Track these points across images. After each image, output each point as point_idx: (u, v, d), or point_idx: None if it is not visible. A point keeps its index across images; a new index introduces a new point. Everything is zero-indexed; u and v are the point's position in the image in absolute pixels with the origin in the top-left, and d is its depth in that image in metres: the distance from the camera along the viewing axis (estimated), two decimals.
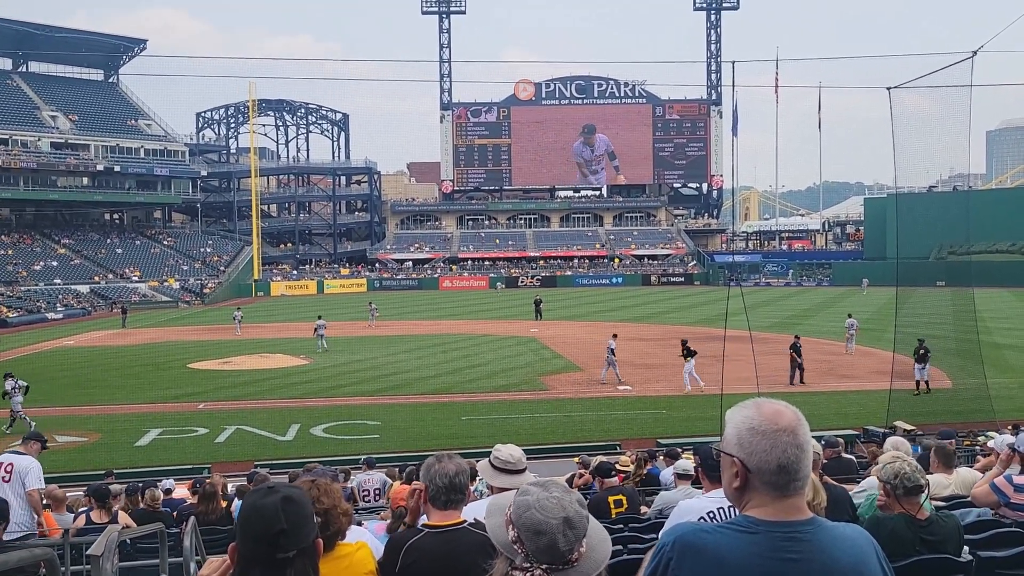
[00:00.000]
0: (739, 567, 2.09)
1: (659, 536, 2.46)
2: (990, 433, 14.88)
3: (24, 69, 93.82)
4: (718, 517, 4.12)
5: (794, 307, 56.25)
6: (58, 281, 74.25)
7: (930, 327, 31.49)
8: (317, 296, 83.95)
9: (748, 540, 2.12)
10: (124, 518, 9.00)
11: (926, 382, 25.02)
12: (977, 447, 14.77)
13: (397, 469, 14.22)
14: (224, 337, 44.85)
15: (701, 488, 5.31)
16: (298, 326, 47.51)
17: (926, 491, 4.51)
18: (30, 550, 4.52)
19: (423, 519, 3.55)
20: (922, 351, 24.70)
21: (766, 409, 2.20)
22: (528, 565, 2.15)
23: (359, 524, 4.83)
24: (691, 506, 4.36)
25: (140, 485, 11.01)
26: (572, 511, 2.16)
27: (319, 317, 39.99)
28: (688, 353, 25.99)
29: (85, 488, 9.80)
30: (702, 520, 4.04)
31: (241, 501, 2.38)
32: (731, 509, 4.17)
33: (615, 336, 29.23)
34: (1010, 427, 15.05)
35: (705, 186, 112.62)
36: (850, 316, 35.06)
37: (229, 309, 67.47)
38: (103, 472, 15.55)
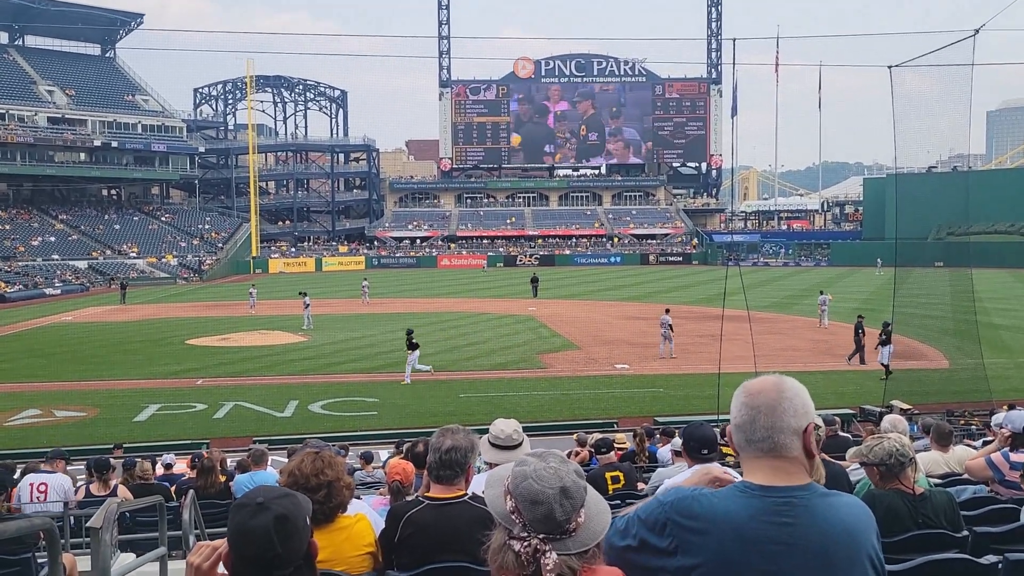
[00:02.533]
0: (733, 529, 2.13)
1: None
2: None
3: (20, 43, 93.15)
4: None
5: (793, 287, 56.29)
6: (56, 257, 74.16)
7: (928, 307, 31.58)
8: (316, 274, 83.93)
9: (743, 503, 2.16)
10: (123, 491, 9.05)
11: (885, 365, 24.93)
12: (973, 426, 14.84)
13: (394, 445, 14.26)
14: (222, 314, 44.87)
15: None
16: (297, 303, 47.46)
17: (916, 463, 4.54)
18: (29, 520, 4.53)
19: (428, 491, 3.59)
20: (884, 336, 24.69)
21: (750, 381, 2.32)
22: (526, 535, 2.15)
23: (358, 498, 4.85)
24: (676, 482, 4.37)
25: (137, 460, 11.05)
26: (569, 481, 2.17)
27: (304, 294, 39.41)
28: (411, 346, 25.38)
29: (85, 462, 9.88)
30: None
31: (231, 514, 2.27)
32: None
33: (668, 311, 29.42)
34: (1006, 406, 15.11)
35: (704, 165, 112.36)
36: (822, 292, 36.39)
37: (227, 286, 67.55)
38: (108, 446, 15.52)
